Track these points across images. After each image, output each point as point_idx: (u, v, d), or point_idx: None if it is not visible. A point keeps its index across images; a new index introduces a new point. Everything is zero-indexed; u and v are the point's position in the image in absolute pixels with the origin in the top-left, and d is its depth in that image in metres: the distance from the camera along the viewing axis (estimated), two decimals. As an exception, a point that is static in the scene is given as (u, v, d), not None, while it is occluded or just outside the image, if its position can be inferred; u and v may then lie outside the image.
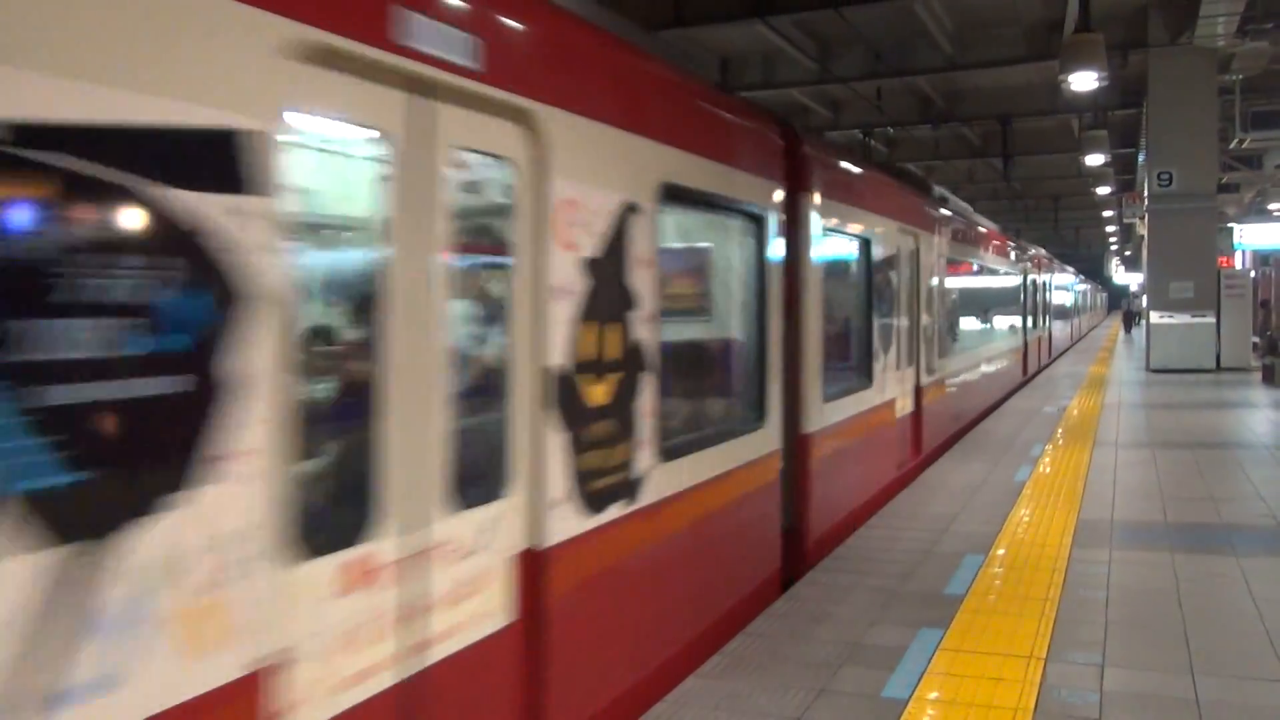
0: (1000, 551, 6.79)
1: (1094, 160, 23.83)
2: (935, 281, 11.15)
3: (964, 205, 14.75)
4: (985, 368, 15.14)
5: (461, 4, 3.29)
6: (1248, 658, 4.83)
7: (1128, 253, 57.13)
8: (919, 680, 4.54)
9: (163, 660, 2.22)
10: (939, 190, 12.16)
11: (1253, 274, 24.81)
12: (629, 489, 4.32)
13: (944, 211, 11.79)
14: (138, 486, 2.19)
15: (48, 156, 2.00)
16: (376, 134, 2.97)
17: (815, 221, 6.87)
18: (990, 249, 15.44)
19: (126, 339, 2.16)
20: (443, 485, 3.19)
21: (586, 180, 3.92)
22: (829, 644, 5.05)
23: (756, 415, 5.86)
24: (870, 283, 8.49)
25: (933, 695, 4.39)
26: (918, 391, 10.24)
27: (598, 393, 4.06)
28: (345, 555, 2.81)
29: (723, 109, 5.51)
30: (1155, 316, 21.05)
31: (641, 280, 4.39)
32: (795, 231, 6.54)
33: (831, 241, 7.38)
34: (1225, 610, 5.54)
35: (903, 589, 5.98)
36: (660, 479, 4.57)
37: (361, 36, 2.83)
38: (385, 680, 2.93)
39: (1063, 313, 31.30)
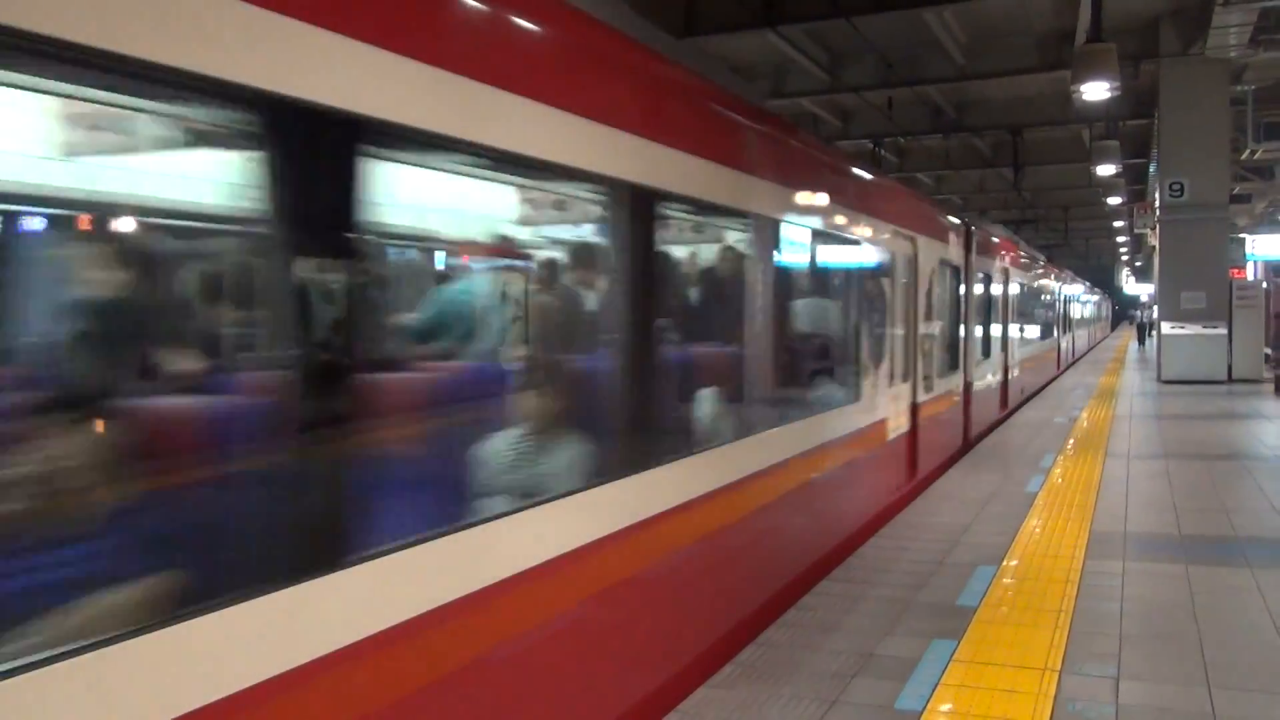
0: (1013, 562, 6.76)
1: (1105, 170, 23.74)
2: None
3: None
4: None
5: None
6: (1264, 671, 4.79)
7: (1138, 263, 56.97)
8: (932, 692, 4.52)
9: (881, 406, 8.61)
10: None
11: (1265, 285, 24.68)
12: (931, 386, 10.32)
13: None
14: (872, 360, 8.04)
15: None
16: None
17: None
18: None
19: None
20: (899, 372, 9.01)
21: None
22: (841, 654, 5.02)
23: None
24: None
25: (946, 707, 4.36)
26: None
27: (925, 347, 10.09)
28: None
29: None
30: (1167, 327, 20.96)
31: None
32: None
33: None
34: (1241, 623, 5.50)
35: (915, 599, 5.95)
36: None
37: None
38: (894, 437, 8.93)
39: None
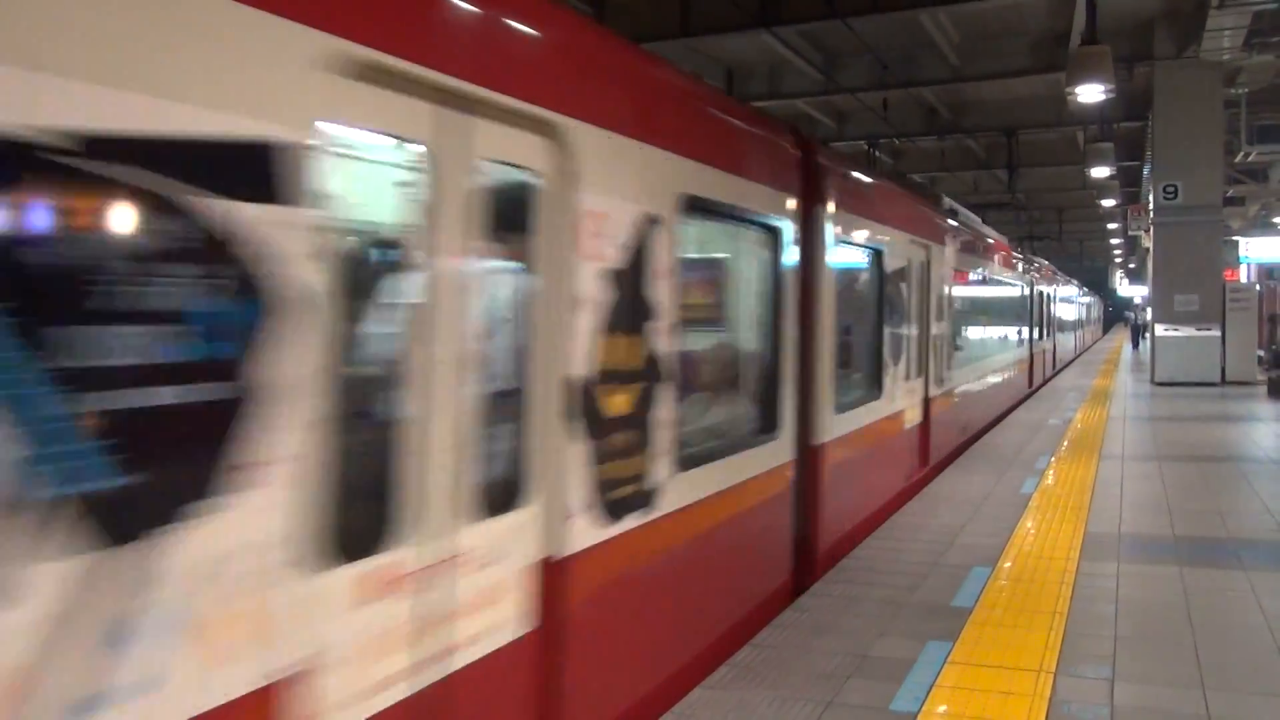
0: (1007, 564, 6.75)
1: (1099, 173, 23.81)
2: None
3: None
4: None
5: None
6: (1259, 672, 4.79)
7: (1132, 265, 57.14)
8: (927, 693, 4.51)
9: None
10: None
11: (1258, 287, 24.76)
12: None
13: None
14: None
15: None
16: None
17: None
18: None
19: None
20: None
21: None
22: (836, 656, 5.01)
23: None
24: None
25: (941, 709, 4.35)
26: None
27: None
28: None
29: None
30: (1160, 329, 21.01)
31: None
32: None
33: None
34: (1235, 625, 5.50)
35: (910, 601, 5.95)
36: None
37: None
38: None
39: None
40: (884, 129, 24.74)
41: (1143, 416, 15.83)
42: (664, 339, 4.50)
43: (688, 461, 4.76)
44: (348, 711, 2.73)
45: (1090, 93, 13.68)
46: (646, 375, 4.38)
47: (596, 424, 3.96)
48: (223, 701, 2.29)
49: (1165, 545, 7.33)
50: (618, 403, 4.15)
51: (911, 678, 4.70)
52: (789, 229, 6.20)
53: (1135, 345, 42.20)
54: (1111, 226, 45.82)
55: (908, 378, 9.53)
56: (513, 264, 3.63)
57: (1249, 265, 28.24)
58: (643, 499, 4.35)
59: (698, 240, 5.53)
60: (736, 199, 5.40)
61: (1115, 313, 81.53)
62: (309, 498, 2.53)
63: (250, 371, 2.37)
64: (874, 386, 8.42)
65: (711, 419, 5.61)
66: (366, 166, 3.05)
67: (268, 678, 2.42)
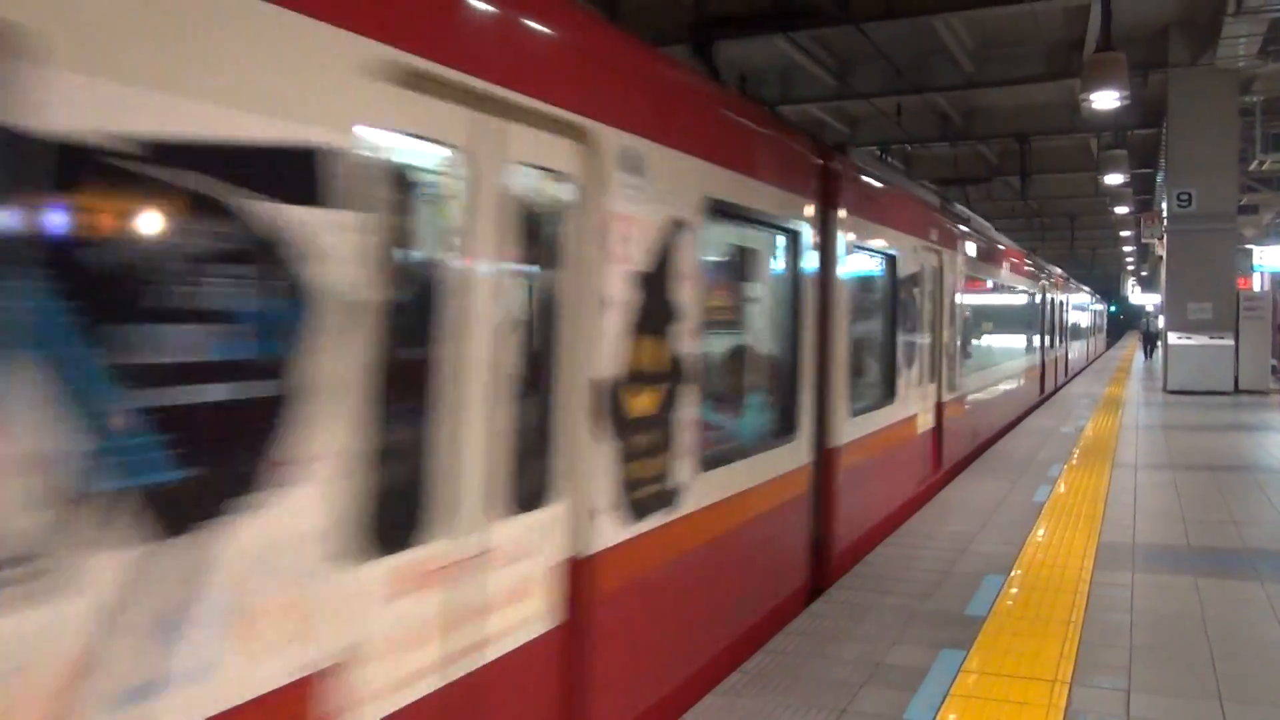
0: (1020, 572, 6.72)
1: (1112, 180, 23.72)
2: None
3: None
4: None
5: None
6: (1276, 684, 4.75)
7: (1144, 273, 56.92)
8: (941, 702, 4.48)
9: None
10: None
11: (1272, 296, 24.62)
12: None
13: None
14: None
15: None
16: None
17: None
18: None
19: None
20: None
21: None
22: (850, 663, 4.99)
23: None
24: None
25: (955, 718, 4.33)
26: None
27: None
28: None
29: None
30: (1173, 337, 20.93)
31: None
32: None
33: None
34: (1251, 636, 5.46)
35: (923, 609, 5.92)
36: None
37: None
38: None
39: None
40: (897, 134, 24.69)
41: (1155, 425, 15.75)
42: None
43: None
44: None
45: (1105, 100, 13.61)
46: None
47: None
48: None
49: (1180, 555, 7.29)
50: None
51: (925, 686, 4.67)
52: None
53: (1148, 354, 40.14)
54: (1124, 234, 45.65)
55: None
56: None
57: (1262, 274, 28.10)
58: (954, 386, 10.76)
59: None
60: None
61: (1126, 321, 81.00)
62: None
63: None
64: None
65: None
66: None
67: None
